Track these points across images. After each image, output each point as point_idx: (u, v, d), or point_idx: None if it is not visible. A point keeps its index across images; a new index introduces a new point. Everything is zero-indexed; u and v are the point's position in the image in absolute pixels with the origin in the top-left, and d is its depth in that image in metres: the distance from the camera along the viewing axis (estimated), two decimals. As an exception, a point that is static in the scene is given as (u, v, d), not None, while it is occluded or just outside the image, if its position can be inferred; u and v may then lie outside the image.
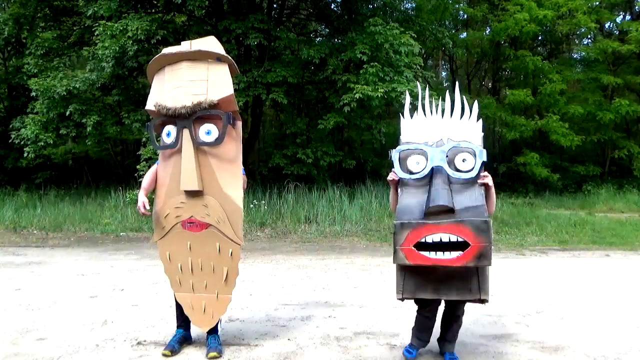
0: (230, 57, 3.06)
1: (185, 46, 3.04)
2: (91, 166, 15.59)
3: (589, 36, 17.68)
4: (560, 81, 13.89)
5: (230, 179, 2.99)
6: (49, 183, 13.25)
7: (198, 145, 2.94)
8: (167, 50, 3.09)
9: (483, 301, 2.82)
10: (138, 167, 9.38)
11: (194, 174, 2.89)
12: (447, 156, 2.78)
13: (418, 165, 2.82)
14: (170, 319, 3.47)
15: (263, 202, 9.57)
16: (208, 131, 2.94)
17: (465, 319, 3.04)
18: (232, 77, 3.01)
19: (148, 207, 3.08)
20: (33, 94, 10.23)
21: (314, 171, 10.84)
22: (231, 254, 3.01)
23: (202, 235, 3.00)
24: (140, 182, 3.48)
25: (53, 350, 3.13)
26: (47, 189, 12.50)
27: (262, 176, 12.13)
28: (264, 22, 10.15)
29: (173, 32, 10.17)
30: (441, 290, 2.76)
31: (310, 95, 11.98)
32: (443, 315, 3.00)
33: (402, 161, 2.87)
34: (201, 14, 11.33)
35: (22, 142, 10.36)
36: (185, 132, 2.93)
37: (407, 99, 3.19)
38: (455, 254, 2.57)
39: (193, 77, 2.96)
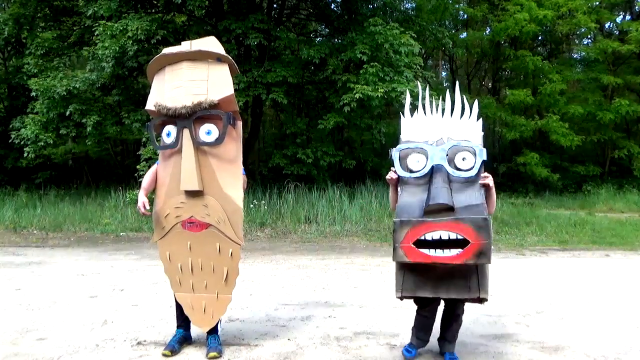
0: (230, 57, 3.06)
1: (186, 46, 3.04)
2: (91, 166, 15.59)
3: (589, 36, 17.69)
4: (560, 81, 13.90)
5: (231, 179, 2.99)
6: (49, 183, 13.25)
7: (198, 145, 2.94)
8: (167, 50, 3.09)
9: (482, 300, 2.82)
10: (138, 167, 9.38)
11: (194, 174, 2.89)
12: (447, 155, 2.79)
13: (418, 164, 2.83)
14: (170, 319, 3.47)
15: (263, 202, 9.57)
16: (208, 131, 2.94)
17: (465, 318, 3.04)
18: (232, 77, 3.01)
19: (148, 207, 3.09)
20: (33, 94, 10.22)
21: (314, 171, 10.84)
22: (231, 254, 3.01)
23: (202, 235, 3.00)
24: (140, 182, 3.48)
25: (53, 350, 3.13)
26: (47, 189, 12.50)
27: (262, 176, 12.13)
28: (264, 22, 10.15)
29: (173, 32, 10.17)
30: (440, 288, 2.76)
31: (310, 95, 11.98)
32: (443, 314, 3.01)
33: (402, 160, 2.88)
34: (201, 14, 11.33)
35: (22, 142, 10.35)
36: (186, 132, 2.93)
37: (408, 98, 3.19)
38: (455, 252, 2.58)
39: (193, 77, 2.96)
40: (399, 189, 2.88)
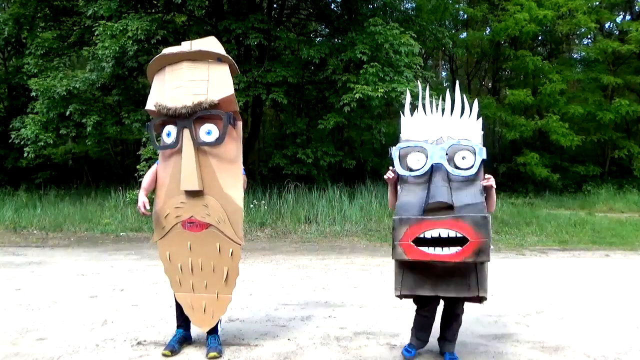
0: (230, 57, 3.06)
1: (186, 46, 3.04)
2: (91, 166, 15.59)
3: (589, 36, 17.69)
4: (560, 81, 13.89)
5: (231, 179, 2.99)
6: (49, 183, 13.25)
7: (198, 145, 2.94)
8: (167, 50, 3.09)
9: (481, 299, 2.82)
10: (138, 167, 9.37)
11: (194, 174, 2.89)
12: (446, 154, 2.80)
13: (418, 163, 2.83)
14: (170, 319, 3.47)
15: (263, 202, 9.57)
16: (208, 131, 2.94)
17: (465, 318, 3.04)
18: (232, 77, 3.01)
19: (148, 207, 3.09)
20: (33, 94, 10.22)
21: (314, 171, 10.84)
22: (231, 254, 3.01)
23: (202, 235, 3.00)
24: (140, 182, 3.48)
25: (53, 350, 3.13)
26: (47, 189, 12.50)
27: (262, 176, 12.13)
28: (264, 22, 10.15)
29: (173, 32, 10.17)
30: (439, 287, 2.76)
31: (310, 95, 11.98)
32: (442, 314, 3.01)
33: (402, 158, 2.88)
34: (201, 14, 11.33)
35: (22, 142, 10.35)
36: (186, 132, 2.93)
37: (408, 98, 3.20)
38: (454, 250, 2.59)
39: (193, 77, 2.96)
40: (398, 187, 2.88)
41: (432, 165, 2.78)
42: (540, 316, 3.93)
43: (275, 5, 12.38)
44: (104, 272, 5.62)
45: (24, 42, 12.42)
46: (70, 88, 9.80)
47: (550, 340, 3.37)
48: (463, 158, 2.79)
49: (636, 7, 16.70)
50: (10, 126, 11.49)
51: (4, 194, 12.32)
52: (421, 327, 3.02)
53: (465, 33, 16.75)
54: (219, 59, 3.01)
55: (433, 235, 2.61)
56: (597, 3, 15.29)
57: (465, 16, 16.95)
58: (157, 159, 3.34)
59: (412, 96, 3.73)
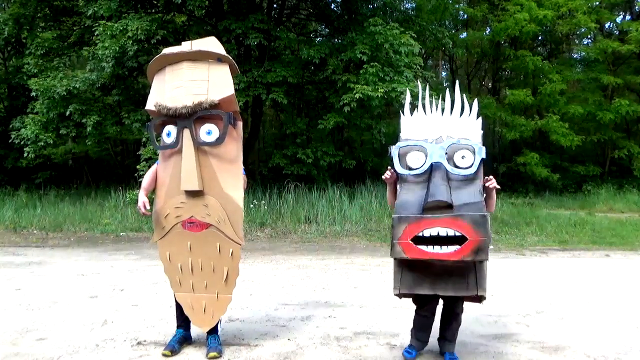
0: (230, 58, 3.06)
1: (186, 46, 3.04)
2: (91, 166, 15.59)
3: (589, 36, 17.69)
4: (560, 81, 13.90)
5: (231, 179, 2.99)
6: (49, 183, 13.25)
7: (199, 145, 2.94)
8: (167, 50, 3.09)
9: (480, 299, 2.83)
10: (138, 167, 9.38)
11: (194, 174, 2.89)
12: (446, 153, 2.80)
13: (417, 162, 2.84)
14: (170, 319, 3.47)
15: (263, 202, 9.57)
16: (209, 131, 2.94)
17: (465, 318, 3.04)
18: (232, 77, 3.01)
19: (148, 207, 3.08)
20: (33, 94, 10.23)
21: (314, 171, 10.84)
22: (231, 254, 3.01)
23: (202, 235, 3.00)
24: (140, 182, 3.48)
25: (53, 350, 3.13)
26: (47, 189, 12.50)
27: (262, 176, 12.13)
28: (264, 22, 10.15)
29: (173, 32, 10.17)
30: (438, 285, 2.76)
31: (310, 95, 11.98)
32: (442, 313, 3.01)
33: (402, 157, 2.89)
34: (201, 14, 11.33)
35: (22, 142, 10.36)
36: (186, 132, 2.93)
37: (407, 97, 3.21)
38: (452, 248, 2.59)
39: (194, 77, 2.96)
40: (398, 186, 2.89)
41: (431, 164, 2.78)
42: (540, 316, 3.93)
43: (275, 5, 12.38)
44: (104, 272, 5.62)
45: (24, 42, 12.43)
46: (70, 88, 9.80)
47: (550, 340, 3.37)
48: (462, 157, 2.79)
49: (636, 7, 16.70)
50: (10, 126, 11.49)
51: (4, 194, 12.32)
52: (421, 327, 3.02)
53: (465, 33, 16.75)
54: (219, 59, 3.01)
55: (432, 234, 2.62)
56: (597, 3, 15.29)
57: (465, 16, 16.95)
58: (157, 159, 3.34)
59: (412, 96, 3.73)
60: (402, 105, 3.16)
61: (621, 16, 17.71)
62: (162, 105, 2.96)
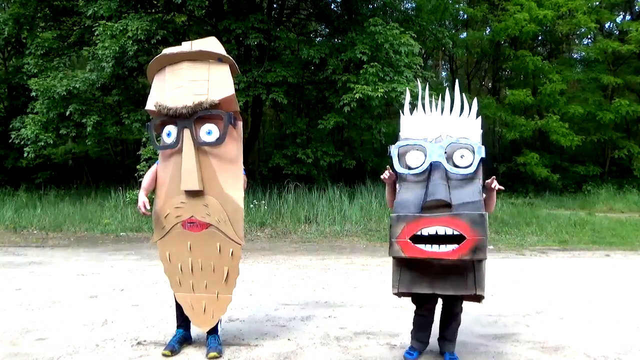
0: (231, 58, 3.06)
1: (186, 46, 3.04)
2: (91, 166, 15.59)
3: (589, 36, 17.70)
4: (560, 81, 13.90)
5: (231, 179, 2.99)
6: (49, 183, 13.25)
7: (199, 145, 2.94)
8: (167, 50, 3.09)
9: (479, 298, 2.82)
10: (138, 167, 9.38)
11: (194, 174, 2.89)
12: (445, 152, 2.81)
13: (417, 161, 2.84)
14: (170, 319, 3.47)
15: (263, 202, 9.58)
16: (209, 131, 2.94)
17: (465, 318, 3.04)
18: (232, 77, 3.01)
19: (148, 207, 3.08)
20: (33, 94, 10.23)
21: (314, 171, 10.84)
22: (232, 254, 3.01)
23: (202, 235, 3.00)
24: (140, 182, 3.48)
25: (53, 350, 3.13)
26: (47, 189, 12.50)
27: (262, 176, 12.13)
28: (264, 22, 10.16)
29: (173, 32, 10.17)
30: (437, 284, 2.76)
31: (310, 95, 11.98)
32: (441, 313, 3.01)
33: (401, 157, 2.89)
34: (201, 14, 11.33)
35: (22, 142, 10.36)
36: (186, 132, 2.93)
37: (407, 97, 3.21)
38: (451, 247, 2.59)
39: (194, 77, 2.96)
40: (397, 185, 2.89)
41: (430, 164, 2.78)
42: (540, 316, 3.93)
43: (275, 5, 12.38)
44: (104, 272, 5.62)
45: (24, 42, 12.43)
46: (70, 88, 9.80)
47: (550, 340, 3.36)
48: (462, 156, 2.79)
49: (636, 7, 16.71)
50: (10, 126, 11.49)
51: (4, 194, 12.32)
52: (420, 327, 3.02)
53: (465, 33, 16.76)
54: (219, 59, 3.01)
55: (430, 233, 2.62)
56: (597, 3, 15.30)
57: (465, 16, 16.96)
58: (157, 159, 3.34)
59: (412, 96, 3.73)
60: (402, 105, 3.16)
61: (621, 16, 17.72)
62: (162, 105, 2.96)
